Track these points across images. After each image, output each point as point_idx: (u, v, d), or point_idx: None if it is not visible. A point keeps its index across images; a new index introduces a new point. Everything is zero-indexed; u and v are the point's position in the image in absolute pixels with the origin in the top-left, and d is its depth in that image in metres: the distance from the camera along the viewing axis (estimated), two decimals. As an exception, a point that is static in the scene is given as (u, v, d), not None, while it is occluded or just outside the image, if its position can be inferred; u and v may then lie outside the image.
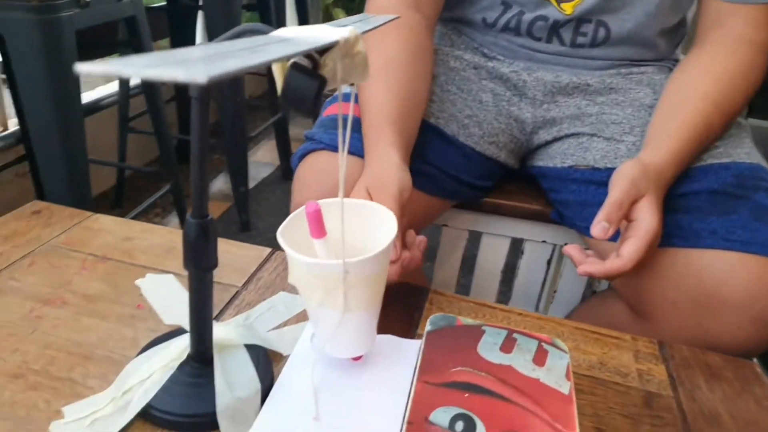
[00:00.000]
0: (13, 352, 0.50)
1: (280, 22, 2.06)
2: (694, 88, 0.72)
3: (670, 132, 0.69)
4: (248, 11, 2.09)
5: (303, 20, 2.39)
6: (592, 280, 0.99)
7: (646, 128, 0.77)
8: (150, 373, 0.46)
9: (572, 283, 0.97)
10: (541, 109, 0.84)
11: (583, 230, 0.81)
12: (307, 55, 0.34)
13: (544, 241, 0.94)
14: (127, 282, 0.60)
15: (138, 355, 0.49)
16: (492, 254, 0.98)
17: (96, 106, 1.72)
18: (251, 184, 2.04)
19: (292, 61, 0.33)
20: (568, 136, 0.84)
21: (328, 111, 0.81)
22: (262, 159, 2.33)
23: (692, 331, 0.67)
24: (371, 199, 0.55)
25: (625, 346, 0.60)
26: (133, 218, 1.32)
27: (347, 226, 0.46)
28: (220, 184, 2.07)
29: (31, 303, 0.56)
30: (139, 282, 0.60)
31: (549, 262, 0.97)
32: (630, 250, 0.61)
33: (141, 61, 0.18)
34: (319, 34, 0.34)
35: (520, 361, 0.47)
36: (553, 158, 0.84)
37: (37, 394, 0.46)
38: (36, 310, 0.55)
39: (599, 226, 0.61)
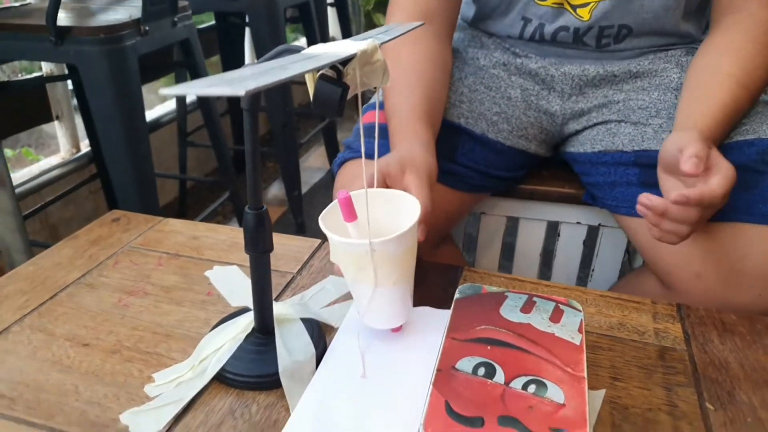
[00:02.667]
0: (108, 334, 0.59)
1: (324, 32, 2.16)
2: (719, 70, 0.74)
3: (699, 112, 0.71)
4: (292, 23, 2.20)
5: (345, 29, 2.48)
6: (629, 257, 1.03)
7: (672, 111, 0.80)
8: (222, 344, 0.55)
9: (609, 262, 1.01)
10: (570, 102, 0.88)
11: (614, 209, 0.85)
12: (333, 66, 0.41)
13: (578, 223, 0.99)
14: (197, 274, 0.69)
15: (210, 330, 0.58)
16: (530, 238, 1.03)
17: (157, 124, 1.86)
18: (304, 188, 2.14)
19: (320, 72, 0.41)
20: (596, 124, 0.88)
21: (363, 120, 0.88)
22: (314, 164, 2.44)
23: (716, 301, 0.70)
24: (402, 172, 0.60)
25: (644, 309, 0.64)
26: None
27: (378, 213, 0.53)
28: (275, 190, 2.18)
29: (119, 294, 0.65)
30: (207, 273, 0.69)
31: (584, 243, 1.01)
32: (718, 180, 0.61)
33: (201, 83, 0.26)
34: (341, 49, 0.41)
35: (538, 319, 0.53)
36: (583, 144, 0.89)
37: (132, 365, 0.55)
38: (123, 299, 0.65)
39: (691, 161, 0.59)
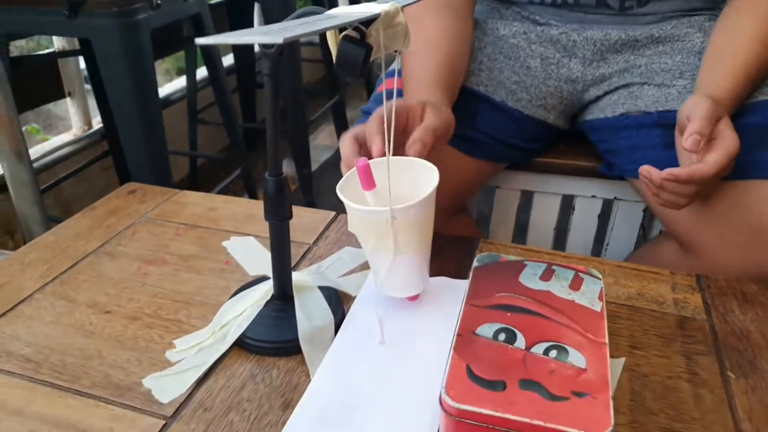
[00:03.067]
0: (129, 301, 0.60)
1: (333, 5, 2.14)
2: (741, 31, 0.74)
3: (720, 73, 0.71)
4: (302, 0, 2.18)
5: (355, 3, 2.46)
6: (644, 232, 1.02)
7: (696, 72, 0.79)
8: (242, 310, 0.55)
9: (624, 236, 1.01)
10: (591, 68, 0.87)
11: (633, 173, 0.85)
12: (355, 28, 0.41)
13: (593, 196, 0.99)
14: (215, 244, 0.70)
15: (230, 298, 0.58)
16: (544, 212, 1.03)
17: (167, 101, 1.85)
18: (314, 166, 2.14)
19: (343, 33, 0.41)
20: (618, 88, 0.87)
21: (381, 87, 0.88)
22: (323, 143, 2.44)
23: (739, 261, 0.70)
24: (422, 108, 0.62)
25: (663, 279, 0.64)
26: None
27: (397, 179, 0.53)
28: (285, 168, 2.18)
29: (138, 263, 0.66)
30: (225, 243, 0.70)
31: (600, 217, 1.01)
32: (714, 158, 0.62)
33: (237, 34, 0.26)
34: (364, 9, 0.41)
35: (558, 287, 0.53)
36: (603, 110, 0.88)
37: (153, 331, 0.56)
38: (143, 268, 0.65)
39: (692, 138, 0.61)
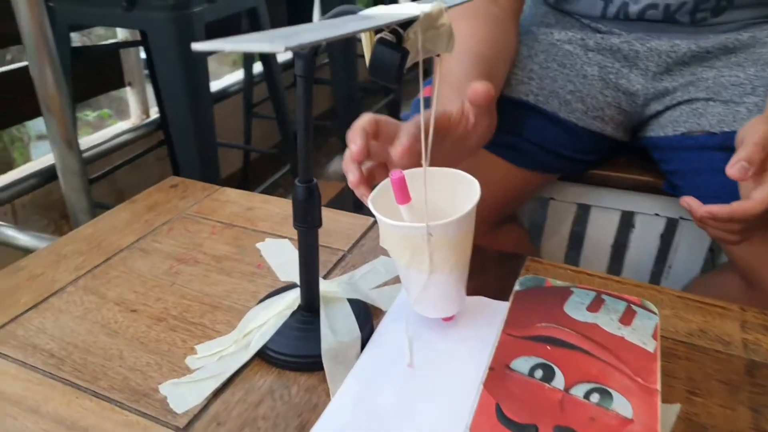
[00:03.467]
0: (156, 301, 0.58)
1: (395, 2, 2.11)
2: None
3: None
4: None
5: None
6: (712, 255, 0.95)
7: None
8: (266, 319, 0.53)
9: (689, 259, 0.94)
10: (654, 81, 0.81)
11: (698, 200, 0.79)
12: (393, 30, 0.38)
13: (656, 214, 0.92)
14: (249, 245, 0.68)
15: (257, 304, 0.56)
16: (601, 228, 0.97)
17: (224, 94, 1.87)
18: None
19: (378, 36, 0.37)
20: (680, 103, 0.80)
21: (424, 92, 0.84)
22: (378, 140, 2.41)
23: None
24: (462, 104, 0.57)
25: (730, 315, 0.58)
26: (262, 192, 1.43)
27: (433, 192, 0.50)
28: (336, 165, 2.17)
29: (170, 261, 0.65)
30: (259, 245, 0.68)
31: (662, 236, 0.94)
32: (762, 194, 0.56)
33: (240, 39, 0.23)
34: (403, 11, 0.38)
35: (606, 320, 0.48)
36: (664, 127, 0.82)
37: (176, 335, 0.54)
38: (174, 267, 0.64)
39: (738, 166, 0.56)
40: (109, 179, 1.46)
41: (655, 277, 0.98)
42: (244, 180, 1.99)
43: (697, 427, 0.46)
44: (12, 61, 1.34)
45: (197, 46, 0.22)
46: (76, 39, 1.58)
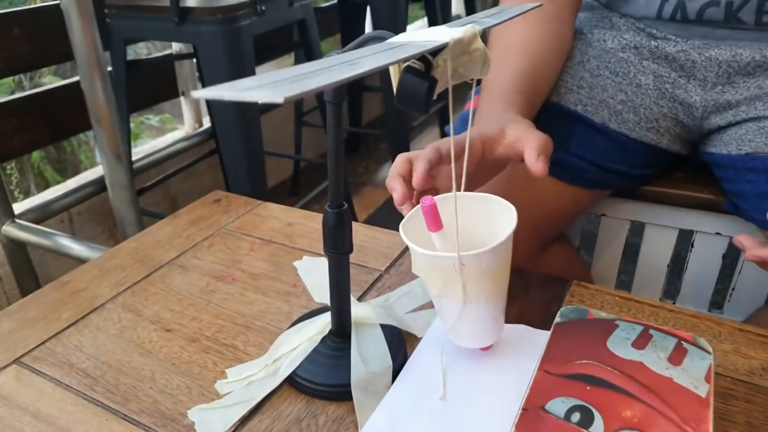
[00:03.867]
0: (191, 320, 0.59)
1: (446, 11, 2.09)
2: None
3: None
4: (414, 2, 2.15)
5: (469, 6, 2.39)
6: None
7: None
8: (297, 344, 0.52)
9: (754, 282, 0.88)
10: (714, 92, 0.75)
11: (762, 224, 0.73)
12: (422, 57, 0.36)
13: (718, 233, 0.87)
14: (286, 263, 0.67)
15: (289, 327, 0.56)
16: (657, 247, 0.92)
17: (275, 104, 1.89)
18: (416, 172, 2.10)
19: (405, 64, 0.36)
20: (746, 120, 0.75)
21: (468, 105, 0.82)
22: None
23: None
24: (502, 133, 0.56)
25: (795, 352, 0.54)
26: (305, 205, 1.44)
27: (467, 218, 0.47)
28: (386, 172, 2.16)
29: (208, 278, 0.65)
30: (296, 263, 0.67)
31: (725, 257, 0.88)
32: None
33: (242, 84, 0.22)
34: (432, 37, 0.36)
35: (653, 358, 0.45)
36: (727, 145, 0.76)
37: (208, 357, 0.54)
38: (211, 284, 0.64)
39: None
40: (162, 186, 1.50)
41: (717, 300, 0.92)
42: (295, 188, 2.00)
43: (754, 480, 0.42)
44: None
45: (197, 94, 0.21)
46: (131, 51, 1.62)
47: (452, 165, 0.43)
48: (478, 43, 0.38)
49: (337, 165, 0.45)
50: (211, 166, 1.66)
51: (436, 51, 0.35)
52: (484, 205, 0.49)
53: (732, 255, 0.87)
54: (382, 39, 0.39)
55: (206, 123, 1.69)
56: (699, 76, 0.75)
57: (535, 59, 0.70)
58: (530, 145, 0.54)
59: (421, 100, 0.35)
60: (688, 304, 0.94)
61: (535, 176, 0.54)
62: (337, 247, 0.47)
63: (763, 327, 0.82)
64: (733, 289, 0.90)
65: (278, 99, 0.20)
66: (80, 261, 1.14)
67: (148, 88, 1.52)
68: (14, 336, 0.57)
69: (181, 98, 1.65)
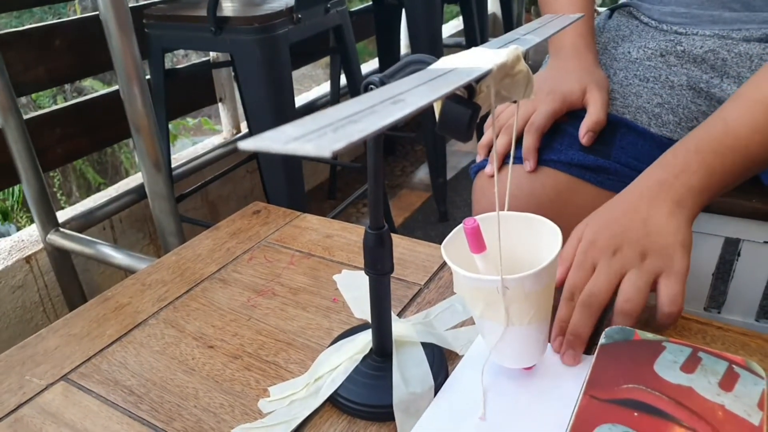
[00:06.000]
0: (233, 336, 0.59)
1: (482, 11, 2.07)
2: None
3: None
4: (449, 4, 2.13)
5: (506, 7, 2.36)
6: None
7: None
8: (338, 363, 0.52)
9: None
10: None
11: None
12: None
13: (766, 242, 0.84)
14: (326, 276, 0.68)
15: (330, 345, 0.56)
16: (701, 255, 0.89)
17: (312, 107, 1.90)
18: (451, 173, 2.09)
19: (447, 90, 0.35)
20: None
21: None
22: (463, 147, 2.37)
23: None
24: (583, 92, 0.71)
25: None
26: (342, 210, 1.44)
27: (511, 238, 0.47)
28: (422, 174, 2.16)
29: (249, 293, 0.66)
30: (335, 277, 0.67)
31: (773, 266, 0.86)
32: None
33: (286, 136, 0.21)
34: (475, 61, 0.35)
35: (703, 383, 0.44)
36: None
37: (250, 374, 0.54)
38: (252, 299, 0.64)
39: None
40: (202, 192, 1.52)
41: (765, 311, 0.89)
42: (332, 191, 2.01)
43: None
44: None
45: (243, 146, 0.21)
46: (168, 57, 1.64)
47: (495, 189, 0.43)
48: (522, 65, 0.37)
49: (377, 189, 0.45)
50: (249, 171, 1.68)
51: (480, 77, 0.35)
52: (527, 224, 0.48)
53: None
54: (423, 63, 0.38)
55: (244, 128, 1.71)
56: (732, 73, 0.73)
57: (590, 15, 0.79)
58: (584, 121, 0.70)
59: (464, 128, 0.35)
60: (734, 313, 0.91)
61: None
62: (378, 268, 0.47)
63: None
64: (783, 298, 0.87)
65: (325, 153, 0.20)
66: (122, 269, 1.17)
67: (185, 94, 1.54)
68: (61, 352, 0.59)
69: (219, 104, 1.67)
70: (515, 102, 0.40)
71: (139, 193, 1.33)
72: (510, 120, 0.73)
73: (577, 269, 0.53)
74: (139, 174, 1.52)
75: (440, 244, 0.69)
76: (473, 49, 0.40)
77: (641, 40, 0.79)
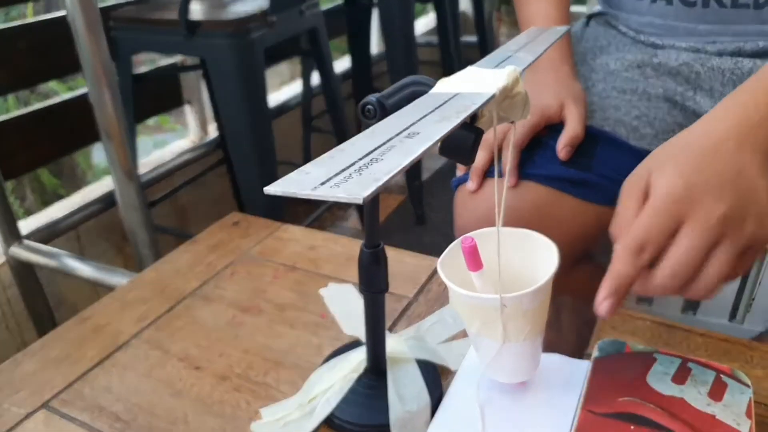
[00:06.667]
0: (220, 356, 0.58)
1: (455, 11, 2.07)
2: None
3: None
4: (424, 2, 2.13)
5: (478, 4, 2.37)
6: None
7: None
8: (332, 383, 0.52)
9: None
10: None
11: None
12: (465, 106, 0.35)
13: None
14: (312, 291, 0.67)
15: (322, 364, 0.55)
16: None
17: (284, 108, 1.87)
18: (426, 174, 2.09)
19: (450, 115, 0.35)
20: None
21: None
22: (436, 149, 2.37)
23: None
24: (560, 107, 0.71)
25: (832, 376, 0.53)
26: (319, 216, 1.43)
27: (506, 254, 0.47)
28: (397, 177, 2.15)
29: (233, 310, 0.64)
30: (322, 291, 0.66)
31: (744, 266, 0.88)
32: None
33: (311, 178, 0.21)
34: (476, 84, 0.35)
35: (694, 393, 0.45)
36: None
37: (240, 396, 0.53)
38: (237, 317, 0.63)
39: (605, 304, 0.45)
40: (171, 198, 1.49)
41: (736, 311, 0.92)
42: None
43: None
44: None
45: (270, 190, 0.21)
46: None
47: (495, 196, 0.42)
48: (520, 87, 0.37)
49: (372, 208, 0.45)
50: (219, 176, 1.65)
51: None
52: (521, 240, 0.48)
53: (754, 265, 0.87)
54: (423, 85, 0.38)
55: (211, 131, 1.68)
56: (705, 87, 0.75)
57: (566, 23, 0.80)
58: (561, 136, 0.70)
59: (468, 152, 0.34)
60: (709, 314, 0.93)
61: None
62: (373, 287, 0.47)
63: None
64: (753, 300, 0.90)
65: (358, 200, 0.19)
66: (90, 282, 1.14)
67: (151, 98, 1.51)
68: (39, 378, 0.57)
69: (186, 107, 1.63)
70: (512, 122, 0.40)
71: (106, 201, 1.29)
72: (487, 136, 0.73)
73: (656, 216, 0.43)
74: (104, 181, 1.49)
75: (419, 250, 0.70)
76: (469, 68, 0.39)
77: (619, 52, 0.80)
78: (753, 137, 0.45)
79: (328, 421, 0.50)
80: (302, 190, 0.20)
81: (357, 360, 0.53)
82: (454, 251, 0.48)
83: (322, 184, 0.21)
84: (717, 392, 0.45)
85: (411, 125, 0.28)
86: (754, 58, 0.72)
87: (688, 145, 0.47)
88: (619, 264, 0.43)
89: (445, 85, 0.36)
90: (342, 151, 0.24)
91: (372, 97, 0.38)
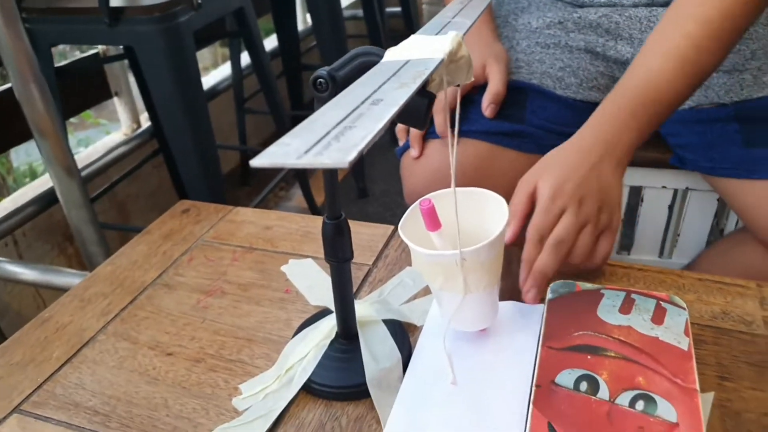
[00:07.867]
0: (191, 340, 0.59)
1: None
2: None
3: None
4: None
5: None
6: (718, 220, 0.96)
7: None
8: (306, 352, 0.54)
9: (696, 226, 0.95)
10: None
11: (709, 170, 0.78)
12: (415, 73, 0.37)
13: (663, 187, 0.93)
14: (273, 269, 0.68)
15: (293, 336, 0.57)
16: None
17: (215, 91, 1.84)
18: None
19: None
20: None
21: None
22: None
23: None
24: (482, 67, 0.77)
25: (749, 294, 0.59)
26: (264, 197, 1.43)
27: (460, 213, 0.50)
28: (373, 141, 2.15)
29: (197, 295, 0.65)
30: (283, 268, 0.68)
31: (671, 207, 0.95)
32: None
33: (294, 149, 0.23)
34: (422, 51, 0.37)
35: (639, 321, 0.49)
36: None
37: (217, 375, 0.55)
38: (202, 300, 0.64)
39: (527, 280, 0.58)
40: (109, 194, 1.45)
41: (667, 246, 0.99)
42: (244, 177, 1.97)
43: (731, 414, 0.48)
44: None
45: (256, 162, 0.22)
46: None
47: (451, 160, 0.45)
48: (464, 50, 0.40)
49: (332, 181, 0.46)
50: (155, 167, 1.61)
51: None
52: (475, 198, 0.52)
53: (675, 204, 0.94)
54: (372, 55, 0.40)
55: (143, 121, 1.64)
56: (625, 35, 0.80)
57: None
58: (485, 94, 0.76)
59: (422, 116, 0.37)
60: (641, 253, 1.00)
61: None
62: (338, 256, 0.49)
63: (707, 267, 0.89)
64: (678, 236, 0.97)
65: (344, 165, 0.21)
66: (35, 286, 1.10)
67: (77, 92, 1.45)
68: (5, 384, 0.56)
69: (115, 99, 1.58)
70: (458, 86, 0.43)
71: (42, 202, 1.25)
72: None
73: (545, 213, 0.57)
74: (38, 181, 1.43)
75: (364, 220, 0.72)
76: (413, 37, 0.41)
77: (539, 11, 0.84)
78: (611, 150, 0.60)
79: (307, 388, 0.52)
80: (288, 160, 0.22)
81: (328, 327, 0.55)
82: (412, 215, 0.51)
83: (306, 152, 0.22)
84: (658, 317, 0.50)
85: (373, 93, 0.29)
86: (665, 7, 0.77)
87: (564, 158, 0.61)
88: (526, 253, 0.57)
89: (394, 54, 0.38)
90: (314, 122, 0.26)
91: (323, 71, 0.40)
